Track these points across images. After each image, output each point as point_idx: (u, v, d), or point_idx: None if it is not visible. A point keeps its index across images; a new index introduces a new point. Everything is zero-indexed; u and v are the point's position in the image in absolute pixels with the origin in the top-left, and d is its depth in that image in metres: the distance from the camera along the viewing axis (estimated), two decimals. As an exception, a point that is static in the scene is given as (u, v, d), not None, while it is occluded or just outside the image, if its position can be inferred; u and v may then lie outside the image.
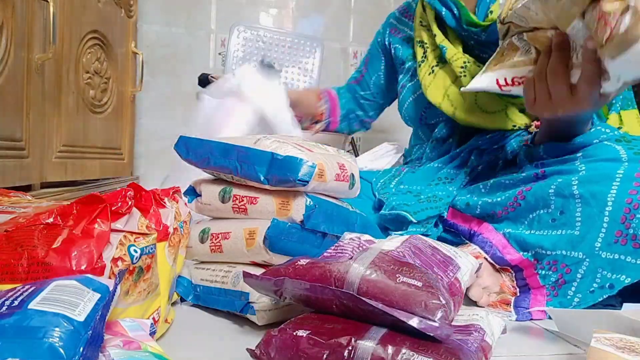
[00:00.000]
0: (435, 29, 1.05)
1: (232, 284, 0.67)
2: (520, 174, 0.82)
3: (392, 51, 1.22)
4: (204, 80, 1.86)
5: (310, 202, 0.66)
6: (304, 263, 0.53)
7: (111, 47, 1.50)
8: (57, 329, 0.34)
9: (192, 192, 0.76)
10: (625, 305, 0.71)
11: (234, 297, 0.66)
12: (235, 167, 0.67)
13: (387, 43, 1.24)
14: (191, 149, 0.72)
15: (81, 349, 0.34)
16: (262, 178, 0.65)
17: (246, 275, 0.55)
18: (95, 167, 1.45)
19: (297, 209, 0.66)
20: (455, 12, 1.00)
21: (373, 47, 1.29)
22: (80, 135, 1.34)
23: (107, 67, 1.49)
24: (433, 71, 1.05)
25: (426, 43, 1.08)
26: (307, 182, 0.63)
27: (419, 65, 1.09)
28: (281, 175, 0.64)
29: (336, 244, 0.60)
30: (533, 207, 0.76)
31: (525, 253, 0.75)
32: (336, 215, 0.70)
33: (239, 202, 0.69)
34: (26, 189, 1.05)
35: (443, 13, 1.02)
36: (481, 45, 1.01)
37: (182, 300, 0.73)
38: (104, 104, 1.49)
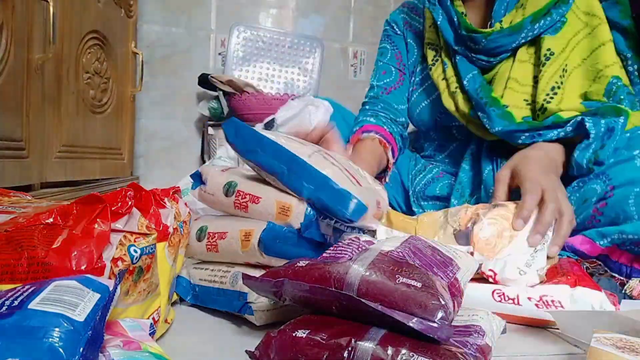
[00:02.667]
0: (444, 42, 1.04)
1: (230, 284, 0.67)
2: (584, 195, 0.83)
3: (407, 47, 1.16)
4: (204, 81, 1.86)
5: (310, 211, 0.66)
6: (304, 264, 0.52)
7: (111, 47, 1.50)
8: (57, 329, 0.34)
9: (198, 179, 0.74)
10: (625, 305, 0.71)
11: (232, 297, 0.66)
12: (283, 172, 0.65)
13: (405, 40, 1.17)
14: (240, 135, 0.68)
15: (81, 349, 0.34)
16: (305, 194, 0.64)
17: (245, 277, 0.55)
18: (95, 167, 1.45)
19: (297, 216, 0.65)
20: (455, 19, 0.98)
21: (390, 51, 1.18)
22: (80, 135, 1.34)
23: (107, 67, 1.49)
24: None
25: (439, 44, 1.06)
26: (354, 221, 0.62)
27: (430, 69, 1.07)
28: (330, 204, 0.62)
29: (335, 245, 0.60)
30: (614, 218, 0.78)
31: (602, 242, 0.77)
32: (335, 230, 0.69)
33: (242, 198, 0.68)
34: (26, 189, 1.05)
35: (439, 22, 1.00)
36: (477, 52, 0.98)
37: (182, 300, 0.73)
38: (104, 104, 1.50)
